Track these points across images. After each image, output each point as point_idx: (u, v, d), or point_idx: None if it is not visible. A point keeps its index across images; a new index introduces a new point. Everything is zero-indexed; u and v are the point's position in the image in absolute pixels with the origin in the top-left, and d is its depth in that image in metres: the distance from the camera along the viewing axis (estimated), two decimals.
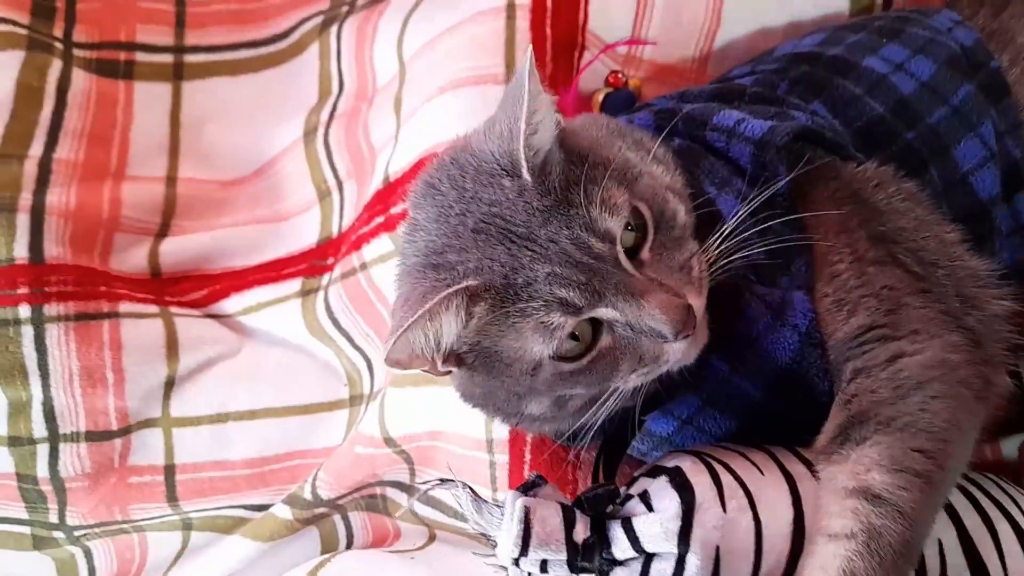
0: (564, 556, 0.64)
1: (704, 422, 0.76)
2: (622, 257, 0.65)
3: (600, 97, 1.01)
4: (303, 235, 1.17)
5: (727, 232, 0.69)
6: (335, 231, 1.14)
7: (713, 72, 1.05)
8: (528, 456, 0.88)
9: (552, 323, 0.64)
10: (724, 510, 0.65)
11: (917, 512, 0.64)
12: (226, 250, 1.16)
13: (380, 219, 1.02)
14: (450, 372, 0.71)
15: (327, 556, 1.01)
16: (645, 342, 0.66)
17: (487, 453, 0.92)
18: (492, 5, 1.02)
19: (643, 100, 1.00)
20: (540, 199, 0.65)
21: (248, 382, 1.10)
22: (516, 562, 0.65)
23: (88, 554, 1.09)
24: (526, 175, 0.65)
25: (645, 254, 0.67)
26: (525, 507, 0.65)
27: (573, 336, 0.66)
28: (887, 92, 0.83)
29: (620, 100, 1.00)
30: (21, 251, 1.02)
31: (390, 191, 1.02)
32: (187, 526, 1.10)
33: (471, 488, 0.69)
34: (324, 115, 1.19)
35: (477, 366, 0.69)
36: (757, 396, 0.73)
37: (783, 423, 0.74)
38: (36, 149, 1.08)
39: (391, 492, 1.07)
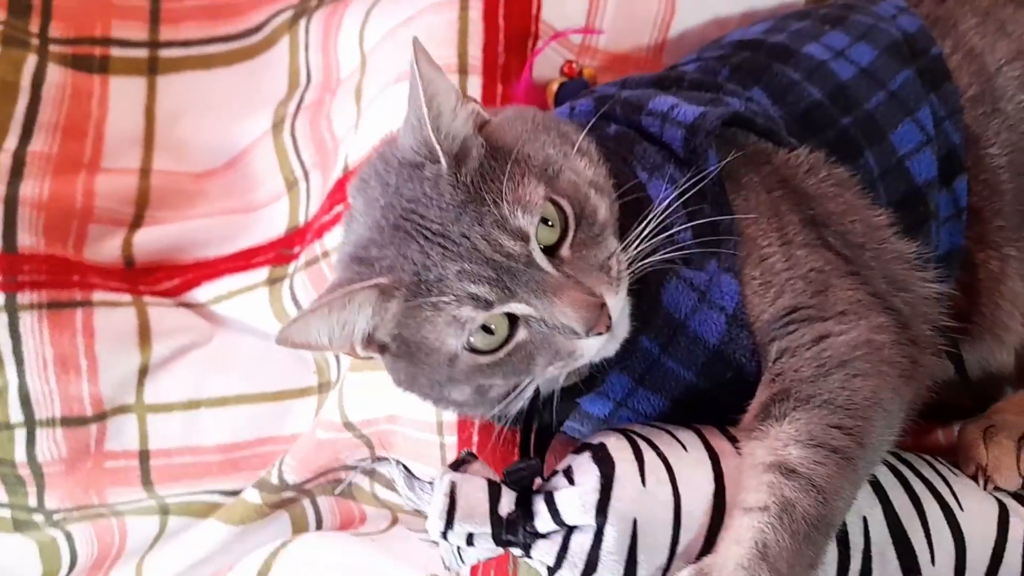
0: (488, 529, 0.66)
1: (638, 403, 0.77)
2: (537, 255, 0.66)
3: (555, 87, 1.01)
4: (273, 225, 1.18)
5: (654, 218, 0.70)
6: (302, 220, 1.16)
7: (668, 61, 1.06)
8: (476, 437, 0.90)
9: (462, 317, 0.65)
10: (644, 484, 0.67)
11: (832, 486, 0.65)
12: (198, 240, 1.18)
13: (340, 207, 1.04)
14: (372, 357, 0.73)
15: (289, 539, 1.04)
16: (559, 337, 0.67)
17: (437, 435, 0.93)
18: None
19: None
20: (453, 193, 0.66)
21: (220, 369, 1.12)
22: (444, 535, 0.67)
23: (69, 537, 1.11)
24: (443, 159, 0.67)
25: (565, 251, 0.68)
26: (451, 482, 0.67)
27: (488, 330, 0.67)
28: (825, 78, 0.84)
29: (575, 89, 1.00)
30: None
31: (349, 179, 1.04)
32: (164, 510, 1.12)
33: (404, 465, 0.71)
34: (291, 107, 1.21)
35: (400, 354, 0.71)
36: (688, 377, 0.75)
37: (715, 403, 0.75)
38: (11, 142, 1.10)
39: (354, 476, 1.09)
